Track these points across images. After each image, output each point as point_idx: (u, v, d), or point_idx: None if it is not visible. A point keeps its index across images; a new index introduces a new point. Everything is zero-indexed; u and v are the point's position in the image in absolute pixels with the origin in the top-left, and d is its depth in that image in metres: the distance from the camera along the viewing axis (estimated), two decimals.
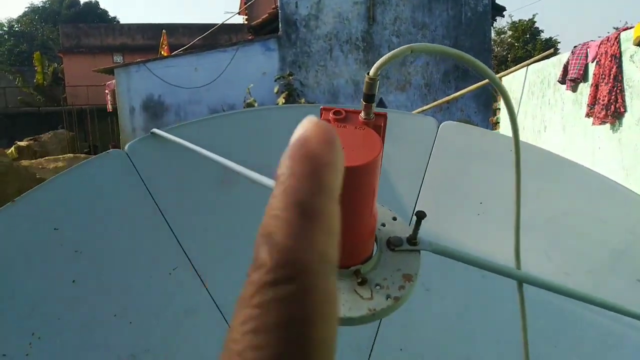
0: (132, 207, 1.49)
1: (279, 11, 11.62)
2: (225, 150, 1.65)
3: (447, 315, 1.48)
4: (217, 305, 1.45)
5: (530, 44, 24.99)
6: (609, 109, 4.06)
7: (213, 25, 17.90)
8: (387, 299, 0.55)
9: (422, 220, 0.60)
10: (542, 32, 26.24)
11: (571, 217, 1.49)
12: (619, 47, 4.02)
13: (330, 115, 0.51)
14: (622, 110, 3.94)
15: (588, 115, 4.48)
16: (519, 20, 26.03)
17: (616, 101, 4.00)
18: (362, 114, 0.50)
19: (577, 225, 1.48)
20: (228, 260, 1.56)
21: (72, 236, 1.39)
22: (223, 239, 1.56)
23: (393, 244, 0.59)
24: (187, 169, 1.61)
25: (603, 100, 4.12)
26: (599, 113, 4.18)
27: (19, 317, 1.27)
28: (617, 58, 4.00)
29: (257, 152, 1.64)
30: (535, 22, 25.68)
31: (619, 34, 4.04)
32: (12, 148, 12.61)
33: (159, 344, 1.37)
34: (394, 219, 0.63)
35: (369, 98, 0.48)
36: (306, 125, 0.21)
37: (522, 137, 0.86)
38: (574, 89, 5.00)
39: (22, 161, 9.97)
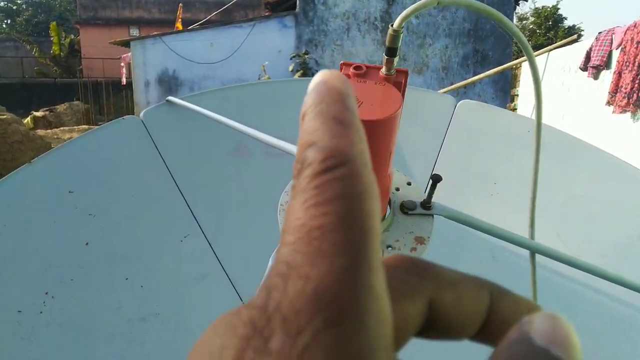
0: (145, 174, 1.49)
1: None
2: (240, 121, 1.65)
3: None
4: (226, 273, 1.46)
5: (552, 31, 24.40)
6: (631, 97, 3.97)
7: (230, 1, 17.72)
8: None
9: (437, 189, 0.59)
10: (566, 19, 25.61)
11: (586, 200, 1.47)
12: None
13: (351, 70, 0.49)
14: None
15: (609, 103, 4.38)
16: (542, 6, 25.39)
17: (639, 89, 3.91)
18: (383, 69, 0.49)
19: (592, 209, 1.45)
20: (239, 230, 1.57)
21: (86, 199, 1.40)
22: (235, 208, 1.57)
23: (407, 208, 0.59)
24: (202, 138, 1.61)
25: (626, 88, 4.02)
26: (621, 101, 4.08)
27: (33, 277, 1.29)
28: None
29: (272, 124, 1.64)
30: (559, 8, 25.03)
31: None
32: (29, 118, 12.75)
33: (168, 309, 1.39)
34: (409, 183, 0.62)
35: (391, 52, 0.46)
36: (323, 73, 0.23)
37: None
38: (596, 77, 4.88)
39: (38, 131, 10.09)
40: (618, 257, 1.38)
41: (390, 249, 0.55)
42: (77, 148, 1.45)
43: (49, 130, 10.58)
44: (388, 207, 0.59)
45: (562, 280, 1.39)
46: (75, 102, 15.11)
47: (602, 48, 4.59)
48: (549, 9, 24.95)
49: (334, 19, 11.93)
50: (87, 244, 1.36)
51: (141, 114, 1.55)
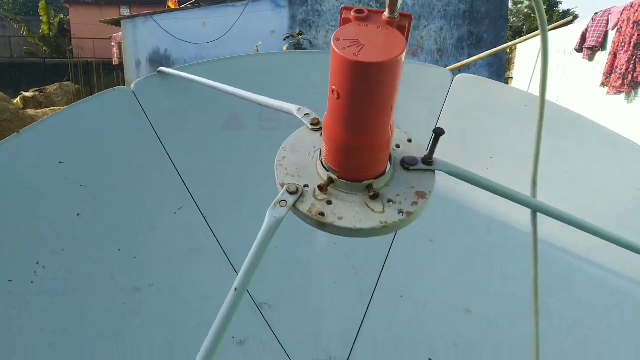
0: (137, 145, 1.47)
1: None
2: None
3: (450, 267, 1.48)
4: (220, 245, 1.45)
5: (547, 14, 24.24)
6: (626, 78, 3.97)
7: None
8: (399, 213, 0.53)
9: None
10: (560, 3, 25.42)
11: (585, 174, 1.46)
12: None
13: (352, 13, 0.47)
14: (639, 79, 3.84)
15: (603, 84, 4.38)
16: None
17: (634, 70, 3.90)
18: (386, 13, 0.47)
19: (591, 183, 1.45)
20: (232, 202, 1.55)
21: (77, 170, 1.38)
22: (228, 180, 1.55)
23: (407, 164, 0.57)
24: (194, 110, 1.58)
25: (620, 69, 4.01)
26: (615, 82, 4.08)
27: (24, 247, 1.27)
28: None
29: (264, 94, 1.61)
30: None
31: None
32: (18, 98, 12.55)
33: (162, 279, 1.38)
34: (409, 141, 0.61)
35: None
36: None
37: None
38: (591, 58, 4.87)
39: (28, 110, 9.94)
40: (616, 231, 1.38)
41: (391, 202, 0.54)
42: (66, 119, 1.42)
43: (39, 110, 10.43)
44: (389, 162, 0.57)
45: (560, 253, 1.39)
46: (66, 83, 14.88)
47: (597, 29, 4.57)
48: None
49: None
50: (78, 214, 1.34)
51: (132, 85, 1.51)
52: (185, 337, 1.35)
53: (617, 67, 4.14)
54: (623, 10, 4.19)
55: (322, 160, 0.56)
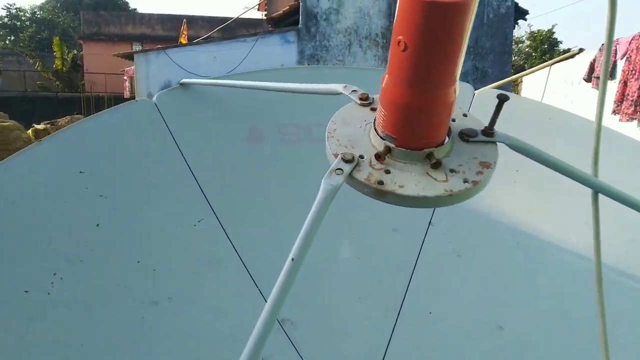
0: (158, 157, 1.45)
1: (300, 3, 11.59)
2: (253, 104, 1.62)
3: (479, 282, 1.42)
4: (241, 259, 1.41)
5: (548, 54, 24.68)
6: (638, 104, 3.96)
7: (232, 18, 17.92)
8: (464, 182, 0.50)
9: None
10: (561, 43, 25.90)
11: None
12: None
13: None
14: None
15: (614, 112, 4.38)
16: (538, 30, 25.71)
17: None
18: None
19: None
20: (253, 216, 1.52)
21: (98, 180, 1.35)
22: (249, 194, 1.52)
23: (467, 135, 0.55)
24: (215, 123, 1.57)
25: (632, 96, 4.02)
26: (627, 109, 4.08)
27: (41, 257, 1.24)
28: None
29: (283, 105, 1.60)
30: (554, 32, 25.35)
31: None
32: (30, 130, 12.73)
33: (181, 293, 1.33)
34: (465, 115, 0.58)
35: None
36: None
37: None
38: None
39: None
40: None
41: (453, 172, 0.51)
42: (87, 129, 1.41)
43: None
44: (448, 136, 0.55)
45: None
46: (77, 116, 15.13)
47: None
48: (544, 33, 25.24)
49: (336, 35, 12.04)
50: (97, 225, 1.31)
51: (154, 98, 1.51)
52: (203, 353, 1.29)
53: (628, 94, 4.15)
54: (631, 40, 4.24)
55: (378, 129, 0.53)
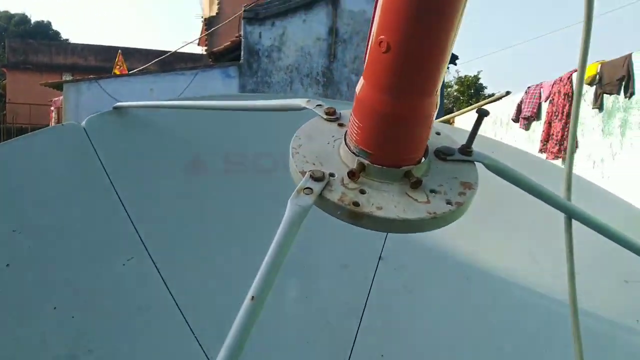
0: (85, 187, 1.30)
1: (242, 39, 11.64)
2: (197, 133, 1.52)
3: (431, 320, 1.37)
4: (175, 302, 1.26)
5: (474, 98, 26.42)
6: (562, 144, 4.24)
7: (169, 52, 17.68)
8: (447, 204, 0.44)
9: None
10: (486, 88, 27.79)
11: (558, 218, 1.44)
12: (572, 86, 4.25)
13: None
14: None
15: (541, 150, 4.66)
16: (465, 75, 27.54)
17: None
18: None
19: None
20: (189, 254, 1.39)
21: (11, 213, 1.18)
22: (188, 230, 1.39)
23: (444, 153, 0.49)
24: (153, 151, 1.44)
25: (557, 136, 4.29)
26: (553, 148, 4.35)
27: None
28: (570, 96, 4.21)
29: (231, 136, 1.51)
30: (479, 78, 27.26)
31: (572, 74, 4.28)
32: None
33: (104, 344, 1.16)
34: (438, 133, 0.53)
35: None
36: None
37: None
38: (527, 127, 5.21)
39: None
40: (593, 274, 1.35)
41: (433, 193, 0.45)
42: (7, 152, 1.24)
43: None
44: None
45: (541, 300, 1.33)
46: None
47: (532, 100, 4.93)
48: (470, 78, 27.07)
49: (277, 71, 12.17)
50: (7, 265, 1.13)
51: (84, 122, 1.37)
52: None
53: (552, 134, 4.43)
54: (553, 84, 4.58)
55: (350, 144, 0.47)
